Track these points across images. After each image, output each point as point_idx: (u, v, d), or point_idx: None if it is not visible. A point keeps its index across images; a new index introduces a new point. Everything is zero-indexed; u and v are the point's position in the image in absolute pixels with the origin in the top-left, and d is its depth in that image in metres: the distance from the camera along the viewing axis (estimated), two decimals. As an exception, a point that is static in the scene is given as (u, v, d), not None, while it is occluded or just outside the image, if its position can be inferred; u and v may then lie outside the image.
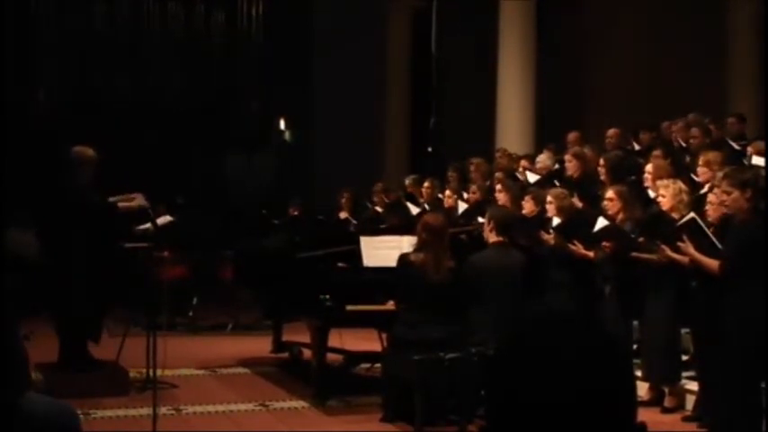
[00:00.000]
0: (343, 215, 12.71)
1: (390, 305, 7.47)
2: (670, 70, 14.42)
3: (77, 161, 8.02)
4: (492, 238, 7.44)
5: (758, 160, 7.77)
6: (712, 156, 8.02)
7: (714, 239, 6.41)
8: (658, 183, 7.61)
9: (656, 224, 7.22)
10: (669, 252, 6.74)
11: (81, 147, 8.14)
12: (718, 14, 13.60)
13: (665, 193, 7.39)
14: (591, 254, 7.94)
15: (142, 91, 16.89)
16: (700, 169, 8.02)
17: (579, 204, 8.74)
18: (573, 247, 8.05)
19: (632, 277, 7.62)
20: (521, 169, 10.78)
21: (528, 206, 8.73)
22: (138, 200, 8.10)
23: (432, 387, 6.89)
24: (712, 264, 6.33)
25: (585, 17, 16.35)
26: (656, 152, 9.72)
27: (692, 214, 6.68)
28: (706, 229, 6.49)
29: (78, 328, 7.95)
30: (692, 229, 6.56)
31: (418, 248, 7.25)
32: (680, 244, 6.60)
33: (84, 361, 7.96)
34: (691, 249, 6.52)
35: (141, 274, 8.84)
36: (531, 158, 11.09)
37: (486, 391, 1.41)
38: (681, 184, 7.45)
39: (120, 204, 8.03)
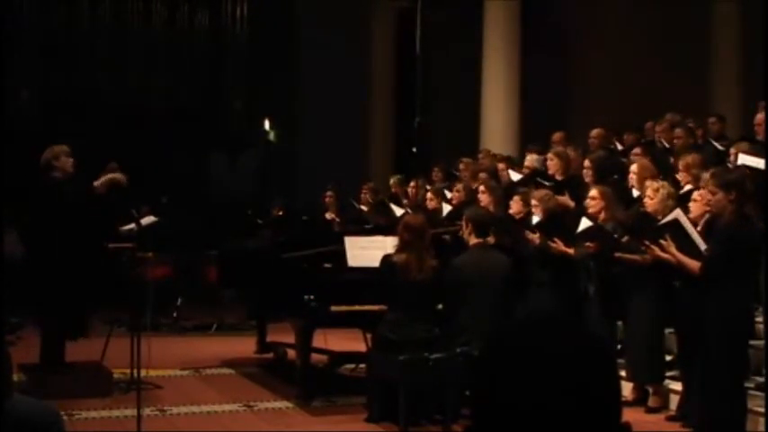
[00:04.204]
0: (329, 215, 12.71)
1: (376, 306, 7.46)
2: (655, 70, 14.47)
3: (51, 159, 8.00)
4: (472, 239, 7.44)
5: (745, 159, 7.77)
6: (691, 159, 8.04)
7: (697, 240, 6.42)
8: (648, 183, 7.60)
9: (642, 224, 7.23)
10: (658, 251, 6.75)
11: (51, 146, 8.14)
12: (703, 15, 13.66)
13: (652, 194, 7.39)
14: (571, 251, 7.95)
15: (126, 91, 16.83)
16: (680, 174, 8.04)
17: (570, 203, 8.76)
18: (553, 245, 8.06)
19: (616, 277, 7.65)
20: (501, 167, 10.77)
21: (516, 206, 8.74)
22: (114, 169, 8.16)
23: (416, 387, 6.89)
24: (693, 264, 6.36)
25: (570, 17, 16.39)
26: (636, 150, 9.76)
27: (674, 214, 6.68)
28: (688, 230, 6.50)
29: (60, 328, 7.93)
30: (675, 230, 6.57)
31: (400, 249, 7.26)
32: (662, 242, 6.62)
33: (60, 362, 7.94)
34: (673, 249, 6.54)
35: (125, 274, 8.81)
36: (514, 160, 11.11)
37: (471, 391, 1.41)
38: (670, 189, 7.46)
39: (97, 183, 8.05)
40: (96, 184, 8.03)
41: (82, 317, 8.12)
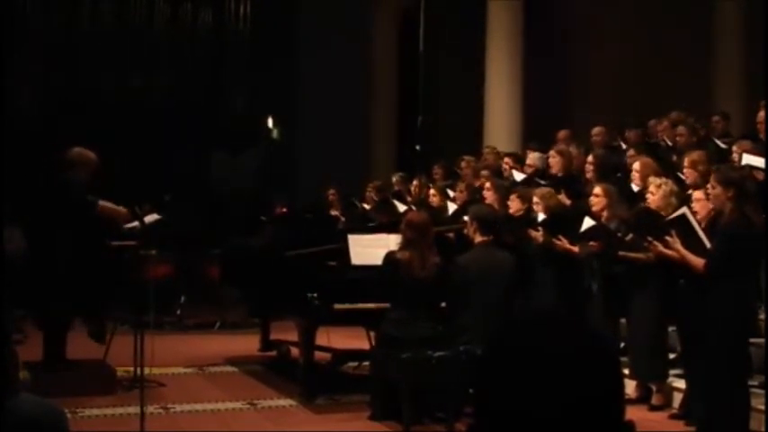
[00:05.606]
0: (334, 213, 12.71)
1: (379, 304, 7.45)
2: (657, 68, 14.45)
3: (76, 161, 7.98)
4: (477, 237, 7.44)
5: (749, 159, 7.75)
6: (697, 155, 8.03)
7: (703, 238, 6.42)
8: (651, 180, 7.61)
9: (646, 220, 7.23)
10: (661, 248, 6.74)
11: (82, 148, 8.10)
12: (706, 13, 13.64)
13: (654, 191, 7.39)
14: (575, 249, 7.97)
15: (128, 89, 16.83)
16: (686, 171, 8.04)
17: (567, 201, 8.77)
18: (557, 242, 8.07)
19: (618, 275, 7.65)
20: (506, 167, 10.75)
21: (514, 205, 8.74)
22: (124, 213, 8.12)
23: (419, 385, 6.90)
24: (698, 262, 6.35)
25: (573, 16, 16.38)
26: (631, 152, 9.73)
27: (682, 210, 6.68)
28: (695, 227, 6.49)
29: (61, 326, 7.94)
30: (681, 226, 6.56)
31: (403, 246, 7.26)
32: (668, 238, 6.61)
33: (62, 360, 7.95)
34: (678, 245, 6.53)
35: (128, 272, 8.82)
36: (517, 157, 11.10)
37: (474, 390, 1.41)
38: (672, 186, 7.46)
39: (103, 204, 8.01)
40: (103, 204, 8.00)
41: (100, 319, 8.17)
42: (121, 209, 8.11)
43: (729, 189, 6.15)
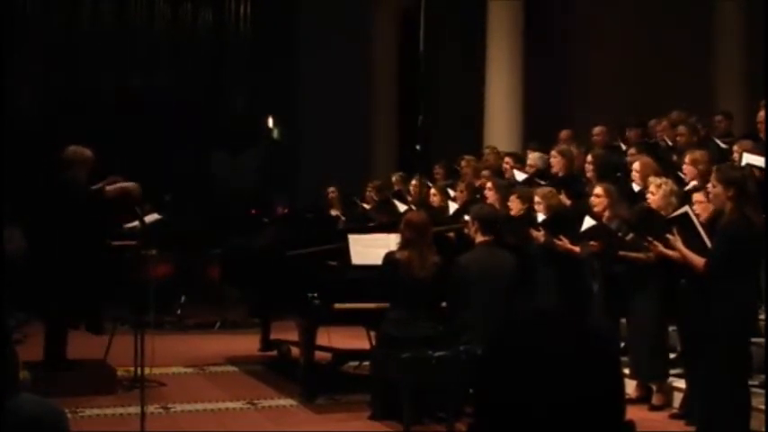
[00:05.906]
0: (334, 212, 12.71)
1: (379, 304, 7.45)
2: (657, 68, 14.45)
3: (73, 160, 7.98)
4: (478, 237, 7.44)
5: (749, 158, 7.74)
6: (699, 154, 8.04)
7: (704, 237, 6.41)
8: (651, 179, 7.61)
9: (647, 220, 7.23)
10: (661, 248, 6.74)
11: (78, 146, 8.10)
12: (706, 13, 13.64)
13: (655, 190, 7.40)
14: (576, 249, 7.97)
15: (128, 89, 16.84)
16: (686, 168, 8.04)
17: (567, 202, 8.77)
18: (558, 243, 8.07)
19: (618, 275, 7.65)
20: (507, 167, 10.73)
21: (515, 205, 8.74)
22: (134, 187, 8.09)
23: (420, 385, 6.90)
24: (698, 261, 6.35)
25: (573, 16, 16.37)
26: (632, 151, 9.73)
27: (685, 208, 6.68)
28: (697, 225, 6.48)
29: (61, 326, 7.94)
30: (683, 224, 6.55)
31: (403, 246, 7.26)
32: (669, 236, 6.61)
33: (63, 360, 7.95)
34: (679, 244, 6.53)
35: (128, 272, 8.82)
36: (518, 157, 11.09)
37: (474, 390, 1.41)
38: (673, 185, 7.46)
39: (110, 188, 7.99)
40: (109, 188, 7.98)
41: (97, 313, 8.17)
42: (130, 183, 8.06)
43: (730, 188, 6.15)
